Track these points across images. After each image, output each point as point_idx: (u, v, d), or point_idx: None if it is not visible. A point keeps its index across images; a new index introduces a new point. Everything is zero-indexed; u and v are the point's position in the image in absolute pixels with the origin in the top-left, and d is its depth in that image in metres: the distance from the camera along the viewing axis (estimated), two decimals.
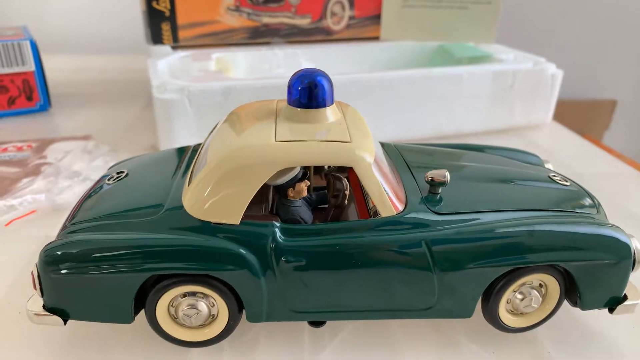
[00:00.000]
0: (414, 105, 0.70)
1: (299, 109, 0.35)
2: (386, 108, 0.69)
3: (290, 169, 0.35)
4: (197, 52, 0.78)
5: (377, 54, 0.86)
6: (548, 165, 0.47)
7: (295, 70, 0.36)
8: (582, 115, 1.38)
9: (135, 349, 0.36)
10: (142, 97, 0.89)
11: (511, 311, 0.37)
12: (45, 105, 0.81)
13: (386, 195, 0.34)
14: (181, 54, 0.77)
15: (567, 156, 0.69)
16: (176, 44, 0.80)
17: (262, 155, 0.33)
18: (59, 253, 0.33)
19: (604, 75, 1.37)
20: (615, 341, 0.38)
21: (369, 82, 0.67)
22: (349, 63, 0.84)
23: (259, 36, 0.83)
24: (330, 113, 0.36)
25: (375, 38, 0.88)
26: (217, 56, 0.76)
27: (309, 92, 0.35)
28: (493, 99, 0.73)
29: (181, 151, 0.44)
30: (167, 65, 0.72)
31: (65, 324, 0.34)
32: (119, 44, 1.18)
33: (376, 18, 0.87)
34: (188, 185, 0.35)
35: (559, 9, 1.28)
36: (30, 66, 0.77)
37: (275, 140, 0.33)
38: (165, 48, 0.79)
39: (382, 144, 0.43)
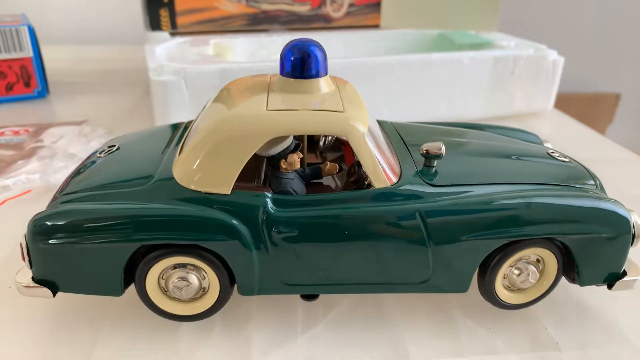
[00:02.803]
0: (413, 91, 0.69)
1: (291, 79, 0.35)
2: (385, 93, 0.68)
3: (283, 139, 0.35)
4: (195, 38, 0.77)
5: (377, 42, 0.85)
6: (547, 144, 0.46)
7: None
8: (584, 108, 1.36)
9: (125, 322, 0.36)
10: (140, 86, 0.88)
11: (508, 287, 0.37)
12: (43, 92, 0.80)
13: (380, 166, 0.34)
14: (179, 40, 0.76)
15: (568, 143, 0.68)
16: (174, 31, 0.80)
17: (253, 124, 0.33)
18: (48, 223, 0.33)
19: (608, 68, 1.36)
20: (613, 318, 0.37)
21: (369, 67, 0.66)
22: (349, 51, 0.83)
23: (257, 23, 0.83)
24: (324, 84, 0.36)
25: (376, 26, 0.88)
26: (215, 42, 0.76)
27: (302, 62, 0.35)
28: (493, 85, 0.72)
29: (174, 127, 0.43)
30: (164, 50, 0.71)
31: (54, 295, 0.34)
32: (117, 34, 1.18)
33: (376, 6, 0.86)
34: (178, 155, 0.35)
35: (562, 1, 1.27)
36: (28, 52, 0.77)
37: (267, 110, 0.33)
38: (164, 34, 0.79)
39: (379, 122, 0.43)
